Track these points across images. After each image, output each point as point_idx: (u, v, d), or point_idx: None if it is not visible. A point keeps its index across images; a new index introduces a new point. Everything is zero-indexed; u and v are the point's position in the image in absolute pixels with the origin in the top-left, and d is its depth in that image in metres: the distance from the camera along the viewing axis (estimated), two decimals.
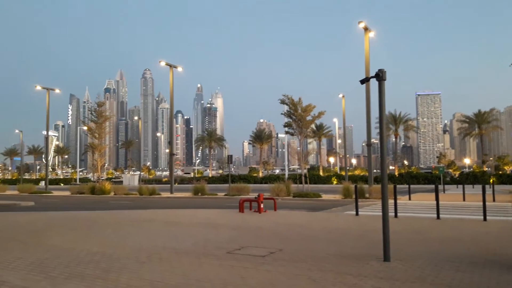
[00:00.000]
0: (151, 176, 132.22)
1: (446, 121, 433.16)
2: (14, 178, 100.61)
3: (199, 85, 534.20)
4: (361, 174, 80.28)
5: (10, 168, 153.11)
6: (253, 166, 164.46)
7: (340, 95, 47.25)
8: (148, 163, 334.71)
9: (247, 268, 6.63)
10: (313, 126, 60.98)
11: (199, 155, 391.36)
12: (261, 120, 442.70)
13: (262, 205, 16.13)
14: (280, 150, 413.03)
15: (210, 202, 24.86)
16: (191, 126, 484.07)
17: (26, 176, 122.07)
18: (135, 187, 42.39)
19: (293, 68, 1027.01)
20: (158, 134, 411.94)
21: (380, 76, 7.35)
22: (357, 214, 14.99)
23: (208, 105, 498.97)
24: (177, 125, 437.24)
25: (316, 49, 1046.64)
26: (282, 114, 29.89)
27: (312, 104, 28.59)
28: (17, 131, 70.59)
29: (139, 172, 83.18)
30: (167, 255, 7.82)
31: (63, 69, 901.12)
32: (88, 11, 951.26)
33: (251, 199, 17.46)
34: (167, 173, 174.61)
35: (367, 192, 24.33)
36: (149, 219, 14.46)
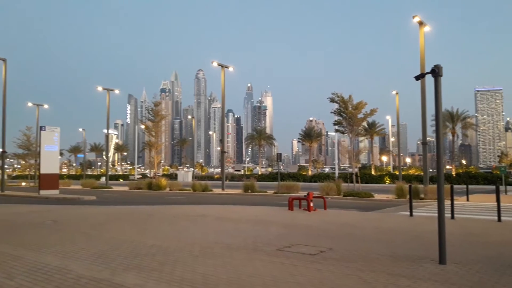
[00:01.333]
0: (203, 173, 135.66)
1: (508, 118, 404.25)
2: (77, 173, 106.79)
3: (249, 84, 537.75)
4: (416, 173, 77.12)
5: (74, 164, 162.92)
6: (302, 164, 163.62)
7: (394, 92, 45.79)
8: (201, 160, 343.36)
9: (297, 265, 6.68)
10: (364, 124, 59.53)
11: (249, 153, 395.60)
12: (311, 118, 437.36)
13: (311, 204, 16.03)
14: (330, 148, 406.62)
15: (259, 199, 25.09)
16: (241, 125, 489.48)
17: (88, 171, 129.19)
18: (189, 183, 43.66)
19: (344, 65, 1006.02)
20: (210, 133, 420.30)
21: (436, 72, 7.10)
22: (411, 214, 14.50)
23: (258, 104, 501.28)
24: (228, 124, 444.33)
25: (368, 46, 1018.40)
26: (331, 112, 29.34)
27: (364, 101, 27.90)
28: (80, 129, 74.55)
29: (192, 169, 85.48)
30: (219, 250, 8.04)
31: (122, 71, 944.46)
32: (144, 16, 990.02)
33: (301, 197, 17.40)
34: (218, 170, 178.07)
35: (422, 192, 23.43)
36: (202, 214, 14.89)
